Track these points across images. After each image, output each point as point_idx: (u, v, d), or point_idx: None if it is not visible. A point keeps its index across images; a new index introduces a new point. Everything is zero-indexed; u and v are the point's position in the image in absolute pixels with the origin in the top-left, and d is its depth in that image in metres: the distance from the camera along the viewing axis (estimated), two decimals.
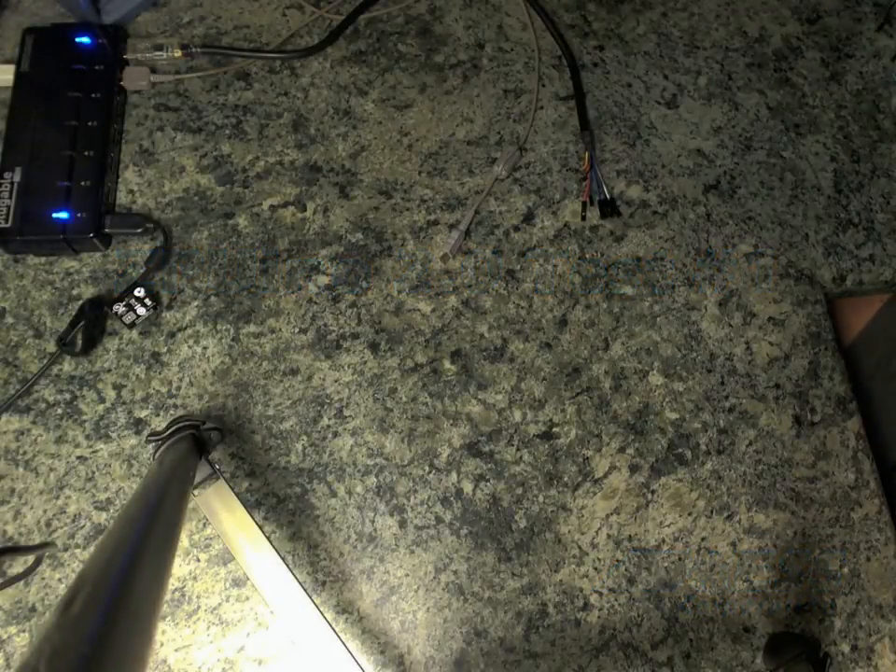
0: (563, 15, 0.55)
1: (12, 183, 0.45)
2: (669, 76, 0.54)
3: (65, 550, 0.42)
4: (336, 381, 0.46)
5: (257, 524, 0.37)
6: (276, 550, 0.37)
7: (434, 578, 0.43)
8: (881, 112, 0.54)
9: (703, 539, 0.44)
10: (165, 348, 0.45)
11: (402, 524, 0.44)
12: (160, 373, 0.45)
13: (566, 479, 0.45)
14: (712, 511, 0.45)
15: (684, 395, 0.47)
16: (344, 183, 0.49)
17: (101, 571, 0.25)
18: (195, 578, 0.42)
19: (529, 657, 0.42)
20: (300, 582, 0.36)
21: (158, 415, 0.44)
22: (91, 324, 0.44)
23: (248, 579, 0.40)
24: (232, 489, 0.38)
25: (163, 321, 0.46)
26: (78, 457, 0.43)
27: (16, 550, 0.39)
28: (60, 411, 0.44)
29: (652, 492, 0.45)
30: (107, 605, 0.23)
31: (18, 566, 0.41)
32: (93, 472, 0.43)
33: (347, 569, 0.43)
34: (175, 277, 0.47)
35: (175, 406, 0.45)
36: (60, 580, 0.42)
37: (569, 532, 0.44)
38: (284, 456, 0.44)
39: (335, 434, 0.45)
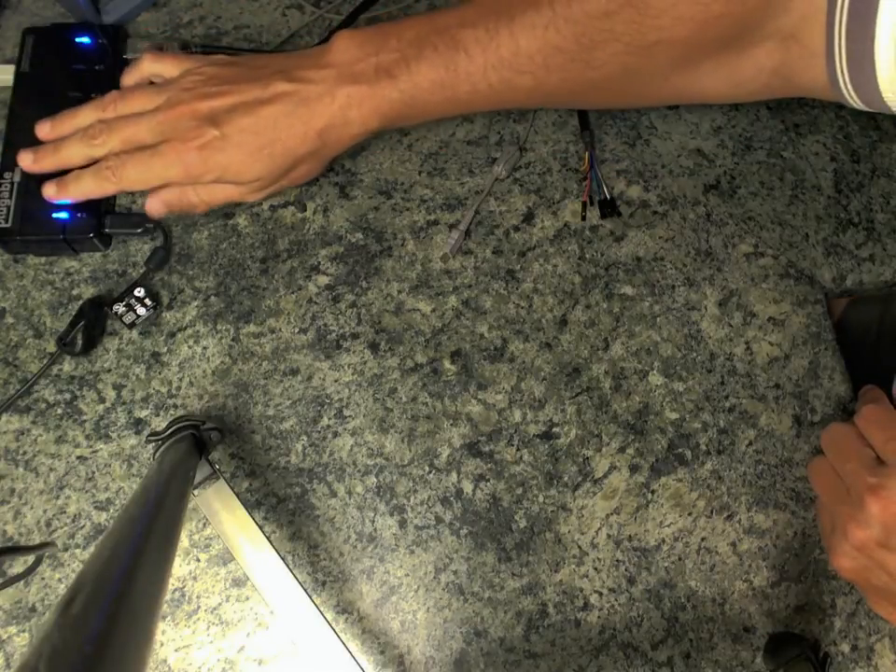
0: None
1: (12, 183, 0.45)
2: None
3: (65, 550, 0.42)
4: (336, 381, 0.46)
5: (257, 524, 0.37)
6: (276, 550, 0.37)
7: (434, 578, 0.43)
8: (881, 112, 0.54)
9: (703, 539, 0.44)
10: (165, 348, 0.46)
11: (402, 524, 0.44)
12: (160, 373, 0.45)
13: (566, 479, 0.45)
14: (712, 511, 0.45)
15: (684, 395, 0.47)
16: (344, 183, 0.50)
17: (101, 571, 0.25)
18: (195, 578, 0.42)
19: (529, 657, 0.42)
20: (300, 582, 0.36)
21: (158, 415, 0.44)
22: (91, 324, 0.44)
23: (248, 579, 0.40)
24: (232, 489, 0.38)
25: (163, 321, 0.46)
26: (78, 457, 0.43)
27: (16, 550, 0.39)
28: (60, 411, 0.44)
29: (652, 492, 0.45)
30: (107, 605, 0.23)
31: (18, 566, 0.41)
32: (93, 472, 0.43)
33: (347, 569, 0.43)
34: (175, 277, 0.47)
35: (175, 406, 0.45)
36: (60, 580, 0.42)
37: (569, 532, 0.44)
38: (284, 456, 0.44)
39: (335, 434, 0.45)
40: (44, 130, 0.44)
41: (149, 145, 0.42)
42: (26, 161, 0.44)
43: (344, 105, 0.42)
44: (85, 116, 0.44)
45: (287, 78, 0.42)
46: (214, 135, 0.41)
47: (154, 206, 0.44)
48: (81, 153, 0.43)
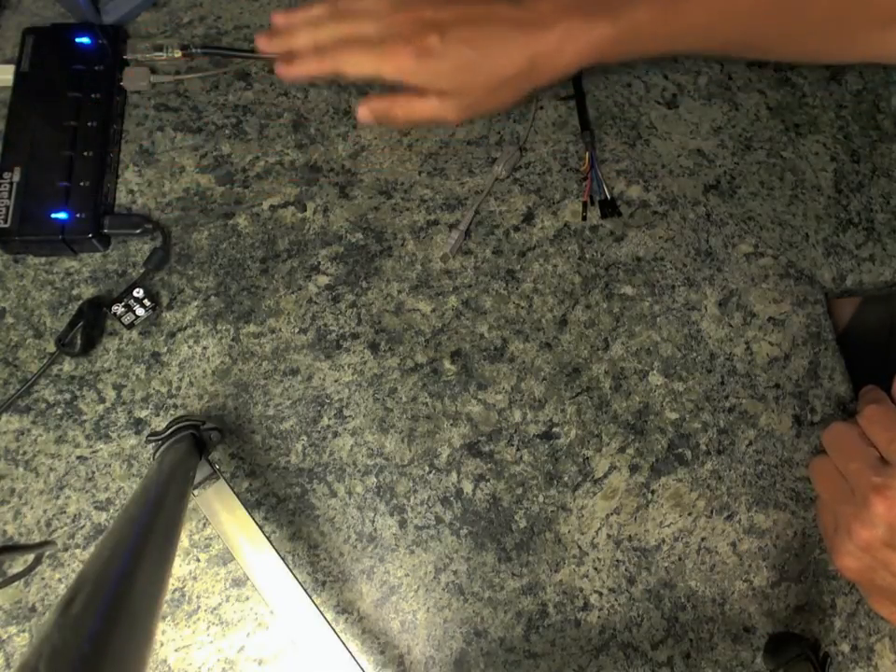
0: None
1: (11, 183, 0.45)
2: (669, 75, 0.54)
3: (65, 550, 0.42)
4: (336, 381, 0.46)
5: (257, 524, 0.37)
6: (276, 550, 0.37)
7: (434, 578, 0.43)
8: (881, 112, 0.54)
9: (703, 539, 0.44)
10: (165, 348, 0.45)
11: (402, 524, 0.44)
12: (160, 373, 0.45)
13: (566, 479, 0.45)
14: (712, 511, 0.45)
15: (684, 395, 0.47)
16: (344, 183, 0.49)
17: (101, 571, 0.25)
18: (195, 578, 0.42)
19: (529, 657, 0.42)
20: (300, 582, 0.36)
21: (158, 415, 0.44)
22: (90, 324, 0.44)
23: (248, 579, 0.40)
24: (232, 489, 0.38)
25: (163, 321, 0.46)
26: (78, 457, 0.43)
27: (16, 548, 0.39)
28: (60, 411, 0.44)
29: (652, 492, 0.45)
30: (107, 605, 0.23)
31: (18, 565, 0.41)
32: (93, 472, 0.43)
33: (347, 569, 0.43)
34: (175, 277, 0.47)
35: (175, 406, 0.45)
36: (60, 580, 0.42)
37: (569, 532, 0.44)
38: (284, 456, 0.44)
39: (335, 434, 0.45)
40: (279, 18, 0.47)
41: (373, 38, 0.44)
42: (262, 42, 0.47)
43: (562, 36, 0.43)
44: (318, 9, 0.46)
45: (512, 3, 0.44)
46: (432, 41, 0.43)
47: (363, 114, 0.46)
48: (310, 38, 0.45)
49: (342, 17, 0.46)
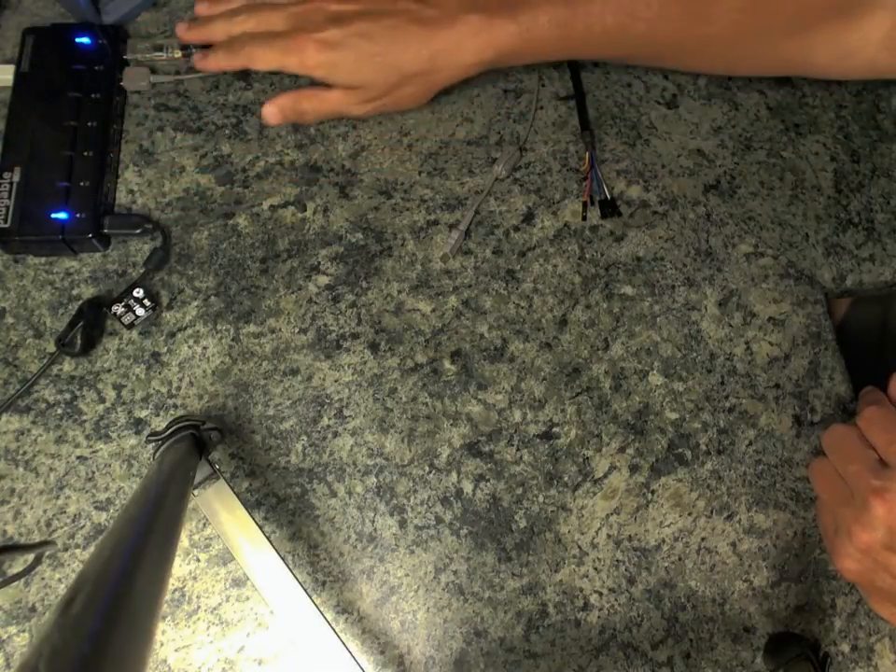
0: None
1: (11, 183, 0.45)
2: (669, 75, 0.54)
3: (65, 550, 0.42)
4: (336, 381, 0.46)
5: (257, 524, 0.37)
6: (276, 550, 0.37)
7: (434, 578, 0.43)
8: (881, 112, 0.54)
9: (703, 539, 0.44)
10: (165, 348, 0.46)
11: (402, 524, 0.44)
12: (160, 373, 0.45)
13: (566, 479, 0.45)
14: (712, 511, 0.45)
15: (684, 395, 0.47)
16: (344, 183, 0.49)
17: (101, 571, 0.25)
18: (195, 578, 0.42)
19: (529, 657, 0.42)
20: (300, 582, 0.36)
21: (158, 415, 0.44)
22: (90, 324, 0.44)
23: (248, 579, 0.40)
24: (232, 489, 0.38)
25: (163, 321, 0.46)
26: (78, 457, 0.43)
27: (15, 548, 0.39)
28: (60, 411, 0.44)
29: (652, 492, 0.45)
30: (107, 605, 0.23)
31: (18, 565, 0.41)
32: (93, 472, 0.43)
33: (347, 569, 0.43)
34: (175, 277, 0.47)
35: (175, 406, 0.45)
36: (60, 580, 0.42)
37: (569, 532, 0.44)
38: (284, 456, 0.44)
39: (335, 434, 0.45)
40: (202, 7, 0.49)
41: (280, 32, 0.45)
42: (181, 30, 0.48)
43: (462, 32, 0.43)
44: (236, 1, 0.48)
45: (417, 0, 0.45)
46: (334, 33, 0.44)
47: (270, 112, 0.47)
48: (223, 29, 0.47)
49: (254, 10, 0.47)
